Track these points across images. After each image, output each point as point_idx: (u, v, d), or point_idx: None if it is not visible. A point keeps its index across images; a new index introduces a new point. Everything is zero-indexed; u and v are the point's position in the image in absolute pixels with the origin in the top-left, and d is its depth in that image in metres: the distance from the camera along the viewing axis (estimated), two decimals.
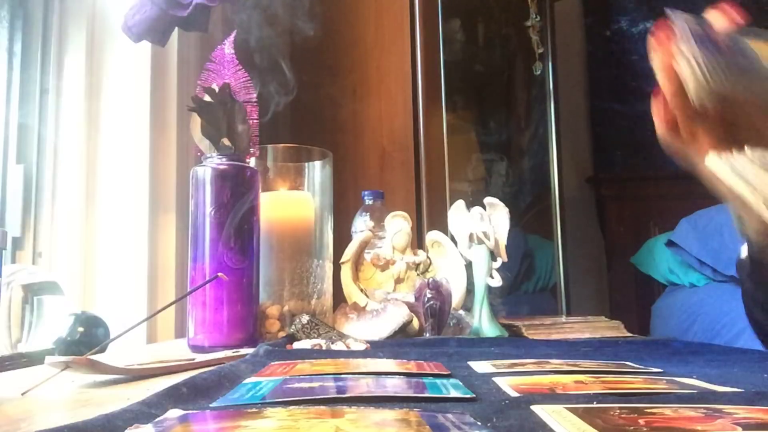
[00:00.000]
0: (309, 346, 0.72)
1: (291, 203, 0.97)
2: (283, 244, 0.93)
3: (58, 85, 1.20)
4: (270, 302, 0.91)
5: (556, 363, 0.57)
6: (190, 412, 0.35)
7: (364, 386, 0.44)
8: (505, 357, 0.63)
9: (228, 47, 0.90)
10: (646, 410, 0.34)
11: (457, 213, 1.01)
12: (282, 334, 0.88)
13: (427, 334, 0.89)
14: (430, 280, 0.89)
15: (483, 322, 0.95)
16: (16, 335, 0.91)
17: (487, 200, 0.99)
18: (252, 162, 0.91)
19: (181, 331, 1.11)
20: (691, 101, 0.46)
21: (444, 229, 1.05)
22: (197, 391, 0.42)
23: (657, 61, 0.47)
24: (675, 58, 0.45)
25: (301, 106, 1.60)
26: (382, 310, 0.91)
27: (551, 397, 0.39)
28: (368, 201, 1.13)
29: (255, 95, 0.89)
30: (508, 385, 0.44)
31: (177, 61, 1.25)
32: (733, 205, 0.48)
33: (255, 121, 0.89)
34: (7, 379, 0.59)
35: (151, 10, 1.05)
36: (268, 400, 0.39)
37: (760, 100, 0.47)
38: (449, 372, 0.51)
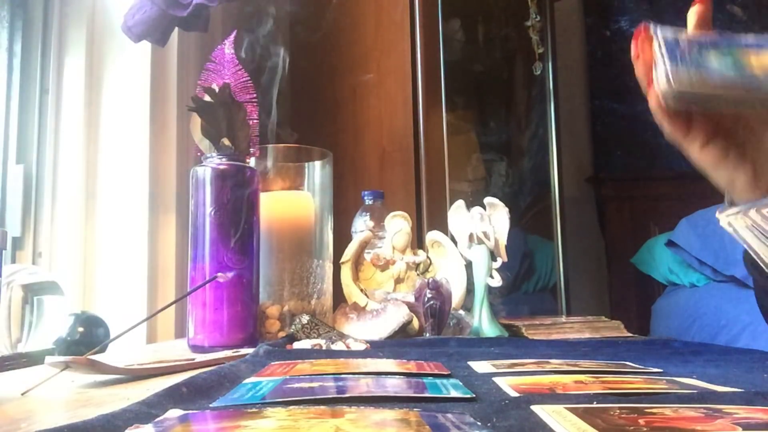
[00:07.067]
0: (309, 346, 0.72)
1: (291, 203, 0.97)
2: (283, 244, 0.93)
3: (58, 85, 1.20)
4: (270, 302, 0.91)
5: (556, 363, 0.57)
6: (190, 412, 0.35)
7: (364, 386, 0.44)
8: (505, 357, 0.63)
9: (228, 47, 0.90)
10: (646, 410, 0.34)
11: (457, 213, 1.01)
12: (282, 334, 0.88)
13: (427, 334, 0.89)
14: (430, 280, 0.89)
15: (483, 322, 0.95)
16: (16, 335, 0.91)
17: (487, 200, 0.99)
18: (252, 162, 0.91)
19: (181, 331, 1.11)
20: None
21: (444, 229, 1.05)
22: (197, 391, 0.42)
23: (639, 65, 0.51)
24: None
25: (301, 106, 1.60)
26: (382, 310, 0.91)
27: (551, 397, 0.39)
28: (368, 201, 1.13)
29: (255, 95, 0.89)
30: (508, 385, 0.44)
31: (177, 61, 1.25)
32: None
33: (255, 121, 0.89)
34: (7, 379, 0.59)
35: (151, 10, 1.05)
36: (268, 400, 0.39)
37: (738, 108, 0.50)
38: (449, 372, 0.51)
